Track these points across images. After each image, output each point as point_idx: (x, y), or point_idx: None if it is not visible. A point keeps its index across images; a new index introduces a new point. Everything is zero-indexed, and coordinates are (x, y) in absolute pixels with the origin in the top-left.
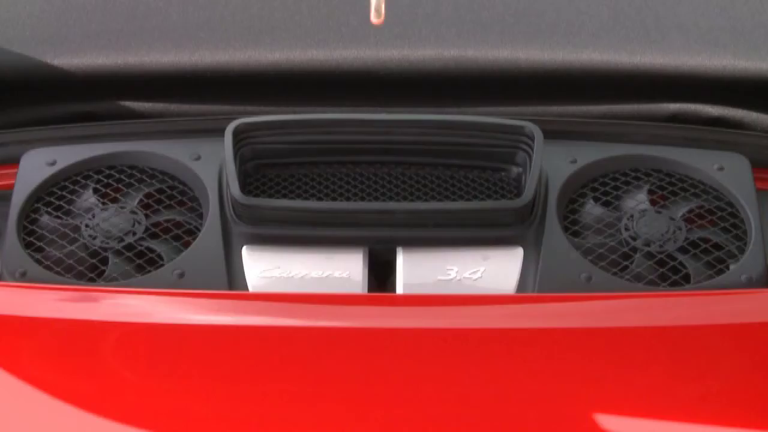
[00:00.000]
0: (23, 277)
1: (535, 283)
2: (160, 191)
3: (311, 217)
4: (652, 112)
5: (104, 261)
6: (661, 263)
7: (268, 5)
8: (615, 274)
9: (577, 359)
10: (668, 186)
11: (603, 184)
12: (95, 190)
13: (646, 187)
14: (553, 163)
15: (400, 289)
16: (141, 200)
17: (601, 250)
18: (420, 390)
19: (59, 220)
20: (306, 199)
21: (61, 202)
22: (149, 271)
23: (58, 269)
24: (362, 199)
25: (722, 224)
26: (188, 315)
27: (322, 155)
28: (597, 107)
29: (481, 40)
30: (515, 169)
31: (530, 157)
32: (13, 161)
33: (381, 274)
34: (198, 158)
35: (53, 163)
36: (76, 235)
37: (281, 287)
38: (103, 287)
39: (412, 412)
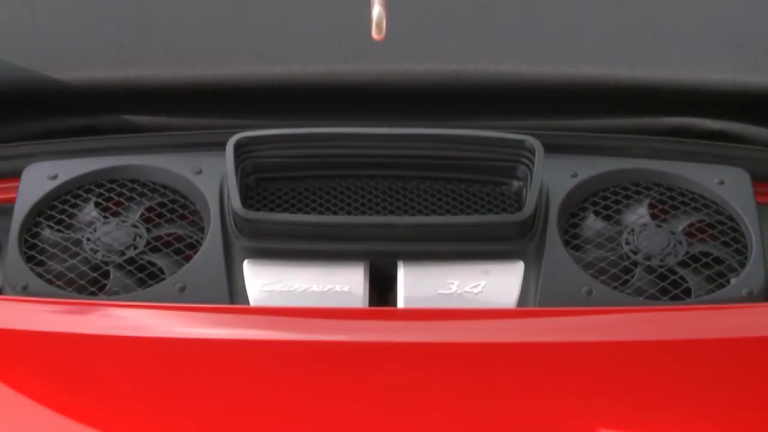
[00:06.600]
0: (24, 290)
1: (535, 297)
2: (161, 205)
3: (312, 231)
4: (653, 126)
5: (105, 275)
6: (661, 277)
7: (269, 20)
8: (616, 288)
9: (578, 373)
10: (669, 200)
11: (604, 198)
12: (97, 204)
13: (647, 201)
14: (554, 177)
15: (401, 303)
16: (142, 214)
17: (601, 264)
18: (421, 404)
19: (61, 234)
20: (307, 212)
21: (63, 216)
22: (150, 285)
23: (60, 283)
24: (363, 212)
25: (723, 238)
26: (189, 329)
27: (323, 169)
28: (597, 121)
29: (481, 54)
30: (516, 183)
31: (531, 171)
32: (15, 175)
33: (382, 288)
34: (199, 172)
35: (55, 177)
36: (77, 249)
37: (282, 301)
38: (104, 301)
39: (413, 426)
